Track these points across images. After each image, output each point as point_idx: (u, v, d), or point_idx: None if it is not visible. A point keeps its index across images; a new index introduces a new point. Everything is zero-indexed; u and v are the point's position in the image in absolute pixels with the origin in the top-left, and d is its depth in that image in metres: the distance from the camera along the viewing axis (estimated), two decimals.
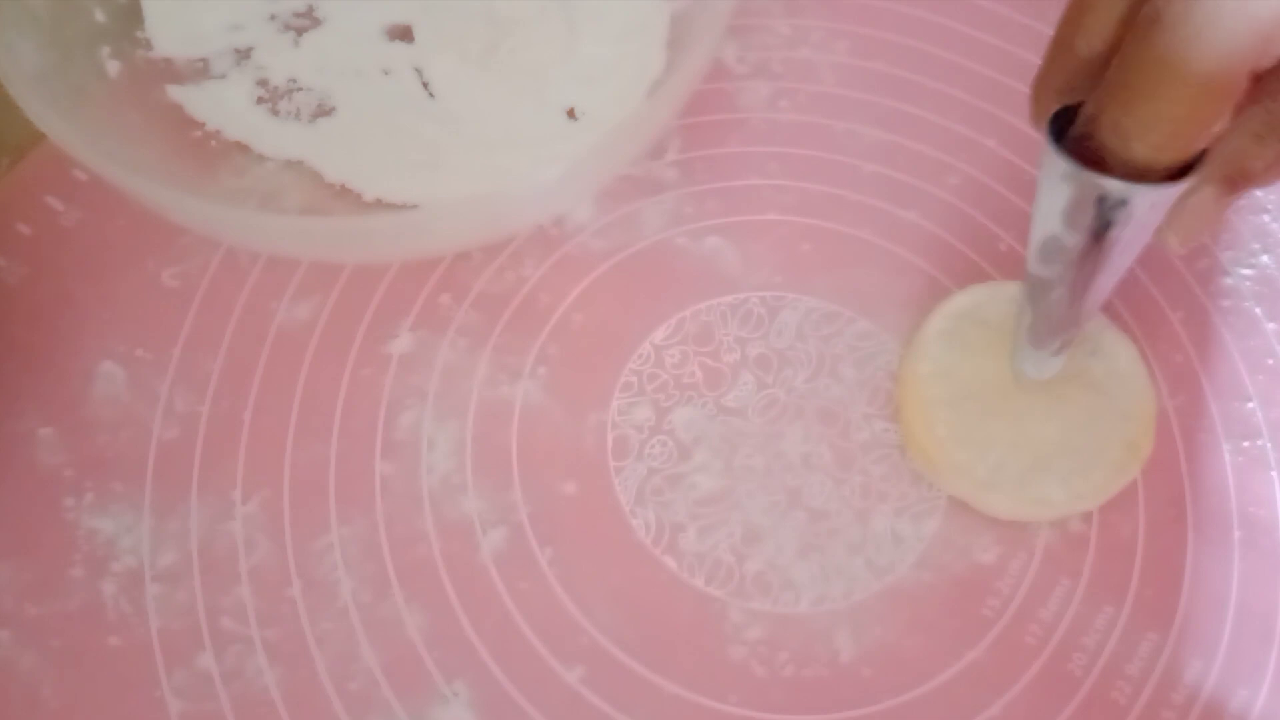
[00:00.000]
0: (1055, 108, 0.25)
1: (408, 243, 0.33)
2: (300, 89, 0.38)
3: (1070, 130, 0.24)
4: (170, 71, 0.37)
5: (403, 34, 0.39)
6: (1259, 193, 0.37)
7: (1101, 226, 0.24)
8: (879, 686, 0.30)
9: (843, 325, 0.35)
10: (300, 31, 0.39)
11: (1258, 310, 0.35)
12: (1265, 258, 0.36)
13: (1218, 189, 0.28)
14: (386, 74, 0.38)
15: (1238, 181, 0.27)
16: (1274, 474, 0.33)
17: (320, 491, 0.32)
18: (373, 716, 0.29)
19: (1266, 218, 0.37)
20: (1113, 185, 0.23)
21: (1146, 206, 0.24)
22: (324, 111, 0.38)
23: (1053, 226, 0.25)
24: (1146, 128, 0.22)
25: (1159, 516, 0.32)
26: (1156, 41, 0.21)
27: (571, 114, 0.37)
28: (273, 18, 0.39)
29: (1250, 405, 0.34)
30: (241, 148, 0.36)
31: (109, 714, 0.29)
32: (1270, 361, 0.35)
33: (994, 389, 0.32)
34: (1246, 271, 0.36)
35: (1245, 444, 0.33)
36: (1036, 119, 0.27)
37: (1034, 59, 0.27)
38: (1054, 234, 0.25)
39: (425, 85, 0.38)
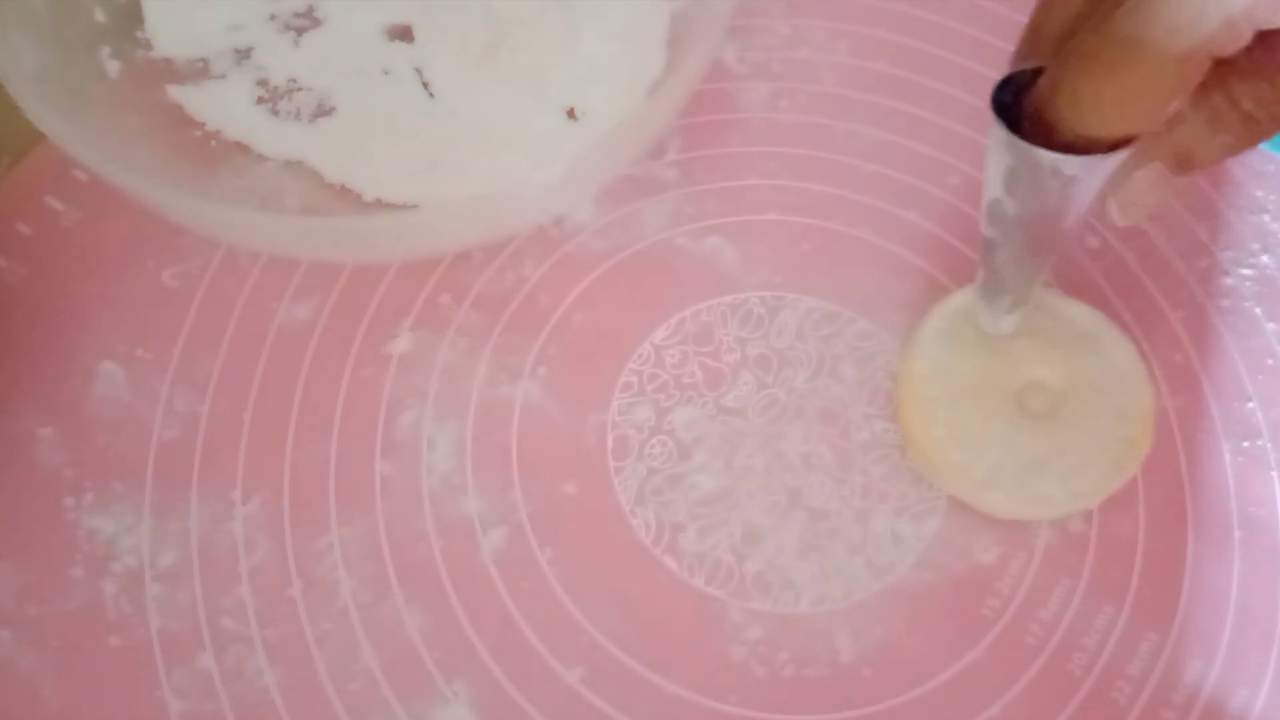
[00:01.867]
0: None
1: (408, 243, 0.33)
2: (300, 89, 0.38)
3: (1024, 100, 0.25)
4: (170, 71, 0.37)
5: (403, 34, 0.39)
6: (1259, 192, 0.37)
7: (1038, 194, 0.25)
8: (879, 686, 0.30)
9: (843, 325, 0.35)
10: (300, 31, 0.39)
11: (1258, 310, 0.35)
12: (1265, 258, 0.36)
13: (1166, 167, 0.28)
14: (386, 74, 0.38)
15: (1186, 163, 0.28)
16: (1274, 474, 0.33)
17: (320, 491, 0.32)
18: (373, 716, 0.29)
19: (1267, 218, 0.37)
20: (1046, 156, 0.24)
21: (1080, 177, 0.24)
22: (324, 111, 0.38)
23: (995, 191, 0.26)
24: (1104, 101, 0.23)
25: (1159, 516, 0.32)
26: (1125, 21, 0.22)
27: (571, 114, 0.37)
28: (273, 18, 0.39)
29: (1250, 405, 0.34)
30: (241, 148, 0.36)
31: (109, 714, 0.29)
32: (1270, 361, 0.35)
33: (991, 387, 0.32)
34: (1246, 271, 0.36)
35: (1245, 444, 0.33)
36: None
37: None
38: (996, 198, 0.27)
39: (425, 85, 0.38)
